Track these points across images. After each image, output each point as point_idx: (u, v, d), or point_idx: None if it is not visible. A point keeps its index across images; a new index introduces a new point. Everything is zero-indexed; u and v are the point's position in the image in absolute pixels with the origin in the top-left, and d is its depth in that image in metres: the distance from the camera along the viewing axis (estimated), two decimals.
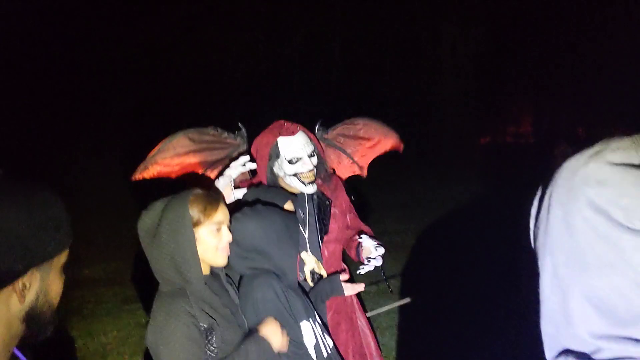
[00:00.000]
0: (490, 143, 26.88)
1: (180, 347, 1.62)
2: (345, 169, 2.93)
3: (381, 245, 2.38)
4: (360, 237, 2.44)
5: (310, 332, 1.96)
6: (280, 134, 2.36)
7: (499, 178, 13.13)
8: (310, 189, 2.39)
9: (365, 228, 2.62)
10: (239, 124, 2.66)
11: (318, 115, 2.82)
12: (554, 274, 0.67)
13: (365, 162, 2.95)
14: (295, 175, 2.35)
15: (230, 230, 1.83)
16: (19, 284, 0.90)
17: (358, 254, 2.45)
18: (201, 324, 1.67)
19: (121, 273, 6.07)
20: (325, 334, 2.07)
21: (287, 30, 19.03)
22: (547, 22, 19.45)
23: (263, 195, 2.12)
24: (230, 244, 1.84)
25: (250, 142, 2.53)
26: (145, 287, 5.43)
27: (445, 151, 23.37)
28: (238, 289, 1.96)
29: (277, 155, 2.36)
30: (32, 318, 0.94)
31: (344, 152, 2.86)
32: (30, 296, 0.92)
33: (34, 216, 0.91)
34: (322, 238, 2.46)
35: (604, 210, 0.60)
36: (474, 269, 5.43)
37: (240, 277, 2.01)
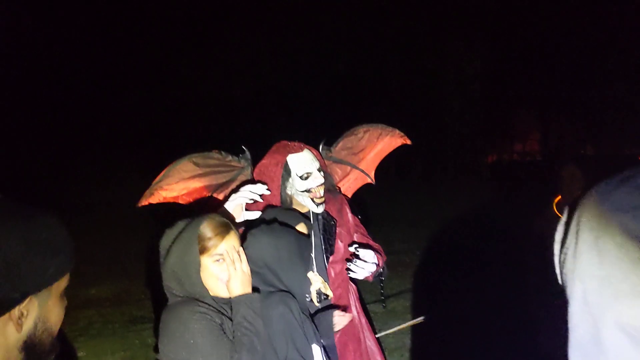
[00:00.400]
0: (497, 161, 26.91)
1: (210, 346, 1.60)
2: (355, 181, 2.95)
3: (364, 248, 2.35)
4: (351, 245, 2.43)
5: (319, 356, 1.94)
6: (289, 152, 2.38)
7: (506, 196, 13.10)
8: (320, 209, 2.39)
9: (376, 246, 2.59)
10: (243, 147, 2.66)
11: (321, 133, 2.82)
12: (584, 301, 0.65)
13: (371, 168, 2.96)
14: (307, 191, 2.36)
15: (244, 248, 1.84)
16: (15, 312, 0.86)
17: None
18: (216, 321, 1.67)
19: (128, 293, 6.05)
20: None
21: (291, 48, 19.16)
22: (554, 40, 19.51)
23: (279, 215, 2.11)
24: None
25: (255, 163, 2.54)
26: (152, 307, 5.42)
27: (452, 170, 23.38)
28: None
29: (289, 173, 2.37)
30: (30, 347, 0.90)
31: (350, 164, 2.87)
32: (28, 324, 0.89)
33: (31, 241, 0.87)
34: (327, 258, 2.45)
35: (639, 236, 0.58)
36: (484, 288, 5.37)
37: None
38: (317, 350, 1.93)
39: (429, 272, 6.38)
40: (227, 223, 1.82)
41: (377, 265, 2.37)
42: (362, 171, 2.91)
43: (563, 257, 0.70)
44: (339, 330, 2.38)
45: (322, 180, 2.37)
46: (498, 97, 22.64)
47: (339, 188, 2.79)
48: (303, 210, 2.43)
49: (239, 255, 1.78)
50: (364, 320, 2.59)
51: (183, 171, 2.54)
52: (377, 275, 2.45)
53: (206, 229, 1.75)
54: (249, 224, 2.10)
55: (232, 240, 1.79)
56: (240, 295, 1.73)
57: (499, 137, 26.52)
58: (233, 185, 2.60)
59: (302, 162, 2.36)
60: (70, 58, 15.44)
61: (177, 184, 2.54)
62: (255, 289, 1.85)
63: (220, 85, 18.20)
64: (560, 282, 0.75)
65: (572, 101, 21.03)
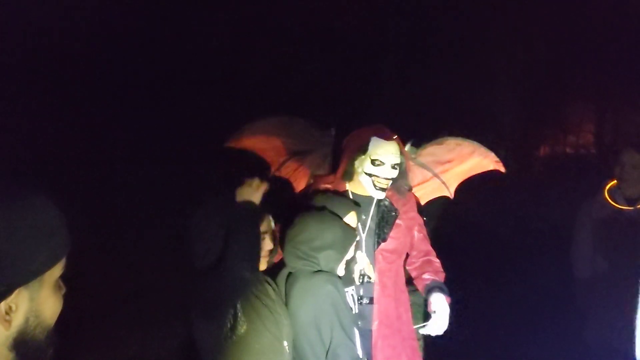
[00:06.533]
0: (549, 154, 26.09)
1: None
2: (432, 190, 2.93)
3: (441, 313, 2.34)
4: (429, 283, 2.45)
5: (358, 341, 1.96)
6: (376, 134, 2.40)
7: (557, 190, 12.72)
8: (379, 195, 2.41)
9: (433, 257, 2.59)
10: (332, 127, 2.74)
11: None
12: None
13: (454, 183, 2.92)
14: (370, 175, 2.37)
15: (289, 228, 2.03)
16: (1, 307, 0.76)
17: (425, 292, 2.47)
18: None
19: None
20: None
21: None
22: (609, 27, 18.74)
23: (329, 204, 2.17)
24: (287, 238, 2.00)
25: (339, 142, 2.61)
26: None
27: (502, 163, 22.78)
28: (285, 286, 2.02)
29: (365, 151, 2.40)
30: (22, 344, 0.79)
31: (432, 172, 2.84)
32: (17, 320, 0.78)
33: (15, 226, 0.76)
34: (378, 243, 2.44)
35: None
36: (519, 281, 5.35)
37: (288, 275, 2.06)
38: (357, 335, 1.96)
39: (461, 266, 6.27)
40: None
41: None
42: (443, 182, 2.87)
43: None
44: (379, 322, 2.36)
45: (389, 176, 2.37)
46: (550, 88, 21.92)
47: (411, 187, 2.76)
48: (360, 192, 2.47)
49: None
50: (406, 315, 2.55)
51: (269, 125, 2.72)
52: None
53: None
54: (298, 207, 2.17)
55: (268, 222, 1.99)
56: None
57: (551, 129, 25.73)
58: (310, 157, 2.74)
59: (383, 149, 2.37)
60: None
61: (261, 136, 2.70)
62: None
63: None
64: None
65: (630, 92, 20.14)
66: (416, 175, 2.80)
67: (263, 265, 1.90)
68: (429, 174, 2.85)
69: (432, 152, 2.81)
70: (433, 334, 2.34)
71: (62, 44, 10.24)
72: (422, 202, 2.92)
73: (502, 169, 2.90)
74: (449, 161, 2.82)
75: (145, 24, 12.22)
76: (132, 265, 6.59)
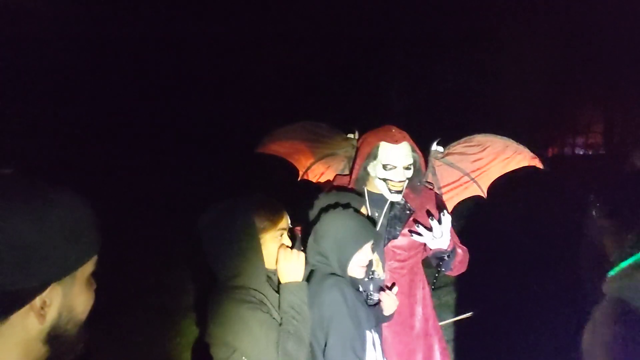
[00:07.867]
0: (558, 155, 25.90)
1: (259, 335, 1.66)
2: (464, 190, 2.88)
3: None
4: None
5: (371, 343, 1.94)
6: (384, 139, 2.39)
7: (567, 192, 12.63)
8: (395, 198, 2.41)
9: (461, 247, 2.58)
10: (356, 130, 2.75)
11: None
12: None
13: (486, 181, 2.87)
14: (384, 180, 2.38)
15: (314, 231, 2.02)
16: (37, 302, 0.78)
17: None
18: (264, 311, 1.72)
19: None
20: (383, 355, 2.06)
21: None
22: (617, 27, 18.62)
23: (341, 199, 2.18)
24: (311, 238, 1.99)
25: None
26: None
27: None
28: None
29: (375, 157, 2.41)
30: (55, 338, 0.82)
31: (463, 171, 2.80)
32: (51, 314, 0.81)
33: (50, 224, 0.78)
34: (388, 240, 2.45)
35: None
36: (535, 283, 5.27)
37: (310, 273, 2.05)
38: (369, 337, 1.94)
39: (482, 266, 6.25)
40: (276, 201, 1.92)
41: (447, 251, 2.37)
42: (475, 181, 2.83)
43: None
44: (391, 317, 2.33)
45: (402, 178, 2.37)
46: (560, 89, 21.78)
47: (432, 185, 2.73)
48: (376, 190, 2.48)
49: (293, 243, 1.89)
50: (423, 313, 2.53)
51: (294, 132, 2.77)
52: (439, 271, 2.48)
53: (263, 209, 1.83)
54: (318, 206, 2.19)
55: (287, 217, 1.91)
56: (289, 283, 1.79)
57: (559, 130, 25.57)
58: (336, 160, 2.78)
59: (392, 154, 2.36)
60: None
61: (287, 142, 2.78)
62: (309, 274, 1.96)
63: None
64: None
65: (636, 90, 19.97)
66: (445, 175, 2.78)
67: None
68: (459, 174, 2.80)
69: (462, 150, 2.75)
70: (432, 246, 2.32)
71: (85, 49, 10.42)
72: (455, 203, 2.89)
73: (540, 165, 2.76)
74: (480, 159, 2.77)
75: (152, 28, 12.25)
76: (135, 265, 6.62)
